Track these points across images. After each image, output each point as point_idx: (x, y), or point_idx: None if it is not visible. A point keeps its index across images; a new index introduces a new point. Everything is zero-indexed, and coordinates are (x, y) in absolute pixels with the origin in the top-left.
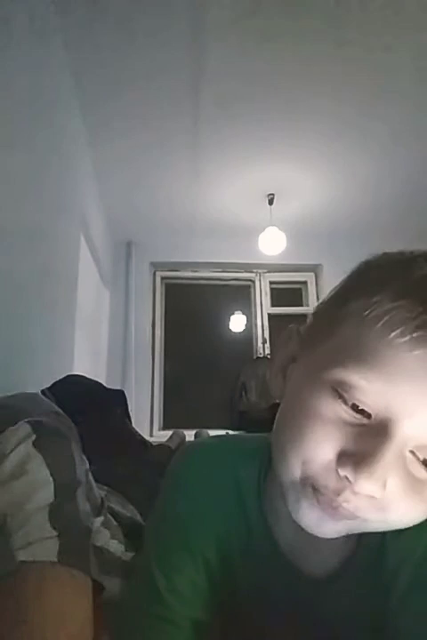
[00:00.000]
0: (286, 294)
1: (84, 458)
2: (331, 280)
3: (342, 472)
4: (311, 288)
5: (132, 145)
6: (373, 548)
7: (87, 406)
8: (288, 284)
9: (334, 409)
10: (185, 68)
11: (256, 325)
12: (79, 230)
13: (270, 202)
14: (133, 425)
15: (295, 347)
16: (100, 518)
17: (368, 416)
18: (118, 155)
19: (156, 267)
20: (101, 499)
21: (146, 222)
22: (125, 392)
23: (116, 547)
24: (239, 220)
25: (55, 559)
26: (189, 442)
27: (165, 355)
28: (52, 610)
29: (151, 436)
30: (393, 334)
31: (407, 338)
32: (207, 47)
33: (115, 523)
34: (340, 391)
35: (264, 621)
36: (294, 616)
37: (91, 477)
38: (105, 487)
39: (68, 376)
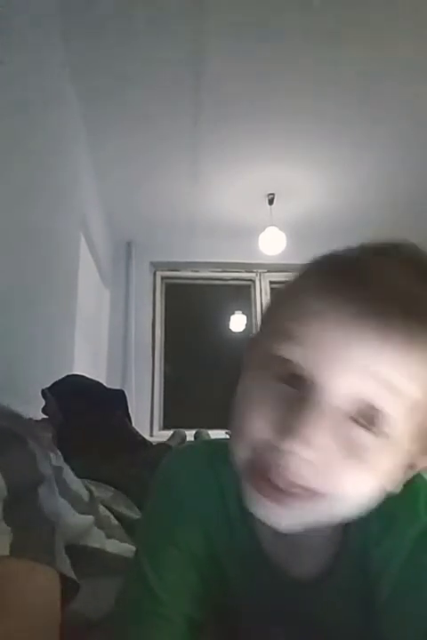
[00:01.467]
0: None
1: (55, 455)
2: None
3: (275, 441)
4: None
5: (133, 145)
6: (356, 552)
7: (87, 406)
8: None
9: (268, 387)
10: (185, 68)
11: (256, 325)
12: (79, 230)
13: (270, 202)
14: (134, 425)
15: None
16: (90, 517)
17: (299, 388)
18: (118, 155)
19: (156, 266)
20: (91, 496)
21: (146, 222)
22: (125, 392)
23: (114, 546)
24: (239, 219)
25: (7, 553)
26: (176, 446)
27: (165, 355)
28: (6, 603)
29: (151, 435)
30: (314, 301)
31: (325, 304)
32: (207, 47)
33: (115, 522)
34: (271, 367)
35: (252, 621)
36: (281, 617)
37: (68, 475)
38: (111, 488)
39: (68, 376)
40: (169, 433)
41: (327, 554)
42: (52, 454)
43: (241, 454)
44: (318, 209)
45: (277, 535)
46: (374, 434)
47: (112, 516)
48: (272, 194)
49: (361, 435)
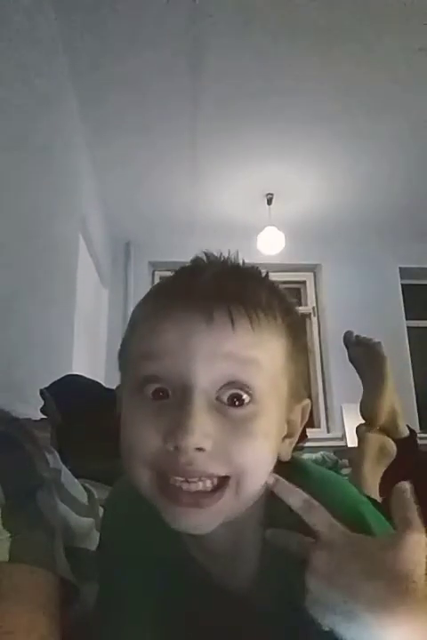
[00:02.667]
0: None
1: (53, 457)
2: (330, 280)
3: (169, 445)
4: (310, 288)
5: (132, 145)
6: (280, 558)
7: (86, 406)
8: (287, 283)
9: (145, 406)
10: (184, 69)
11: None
12: (78, 230)
13: (269, 202)
14: None
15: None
16: (90, 519)
17: (172, 396)
18: (117, 154)
19: (154, 266)
20: (90, 498)
21: (145, 222)
22: None
23: None
24: (238, 219)
25: (6, 559)
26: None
27: None
28: (7, 608)
29: None
30: (152, 318)
31: (161, 316)
32: (207, 47)
33: None
34: (141, 389)
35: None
36: (228, 635)
37: (66, 477)
38: (110, 488)
39: (67, 376)
40: None
41: (253, 559)
42: (49, 456)
43: (143, 478)
44: (316, 209)
45: (205, 545)
46: (245, 404)
47: None
48: (271, 194)
49: (235, 410)
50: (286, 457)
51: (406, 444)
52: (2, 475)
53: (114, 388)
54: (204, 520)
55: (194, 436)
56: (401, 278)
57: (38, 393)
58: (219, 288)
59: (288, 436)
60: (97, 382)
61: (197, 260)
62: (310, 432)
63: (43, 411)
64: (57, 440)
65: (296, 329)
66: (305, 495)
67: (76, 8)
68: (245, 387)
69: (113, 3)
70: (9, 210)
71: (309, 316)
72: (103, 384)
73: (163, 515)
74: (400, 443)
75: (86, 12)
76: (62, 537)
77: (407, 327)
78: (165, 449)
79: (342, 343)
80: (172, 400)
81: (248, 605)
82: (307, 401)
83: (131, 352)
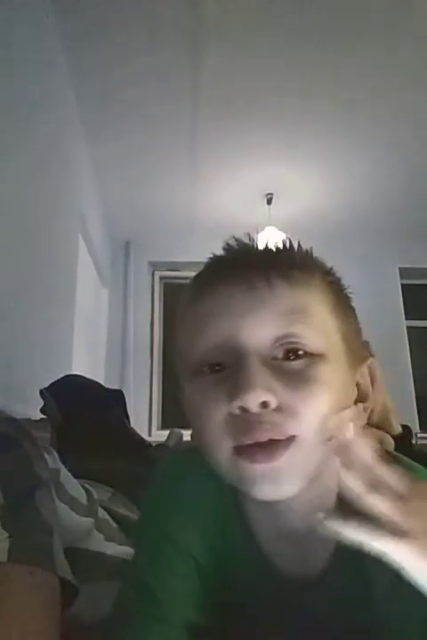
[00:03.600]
0: None
1: (52, 457)
2: None
3: (234, 407)
4: None
5: (131, 145)
6: (353, 549)
7: (85, 406)
8: None
9: (204, 383)
10: (184, 69)
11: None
12: (78, 230)
13: (269, 201)
14: (132, 425)
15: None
16: (89, 519)
17: (229, 365)
18: (117, 154)
19: (154, 266)
20: (89, 498)
21: (144, 222)
22: (124, 392)
23: (114, 549)
24: (238, 219)
25: (5, 559)
26: (173, 450)
27: (163, 354)
28: (6, 608)
29: (150, 435)
30: (194, 299)
31: (201, 293)
32: (206, 47)
33: (114, 525)
34: (196, 372)
35: (255, 625)
36: (282, 619)
37: (65, 477)
38: (110, 488)
39: (67, 376)
40: (167, 433)
41: (325, 552)
42: (48, 456)
43: (221, 450)
44: (316, 209)
45: (279, 535)
46: (300, 356)
47: (111, 519)
48: (271, 194)
49: (291, 363)
50: (363, 420)
51: (401, 441)
52: (0, 475)
53: (114, 388)
54: (280, 477)
55: (256, 390)
56: (401, 278)
57: (38, 393)
58: (254, 257)
59: (360, 399)
60: (96, 382)
61: (226, 246)
62: None
63: (42, 411)
64: (56, 440)
65: (337, 287)
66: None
67: (76, 8)
68: (295, 340)
69: (113, 3)
70: (9, 210)
71: None
72: (103, 384)
73: (243, 487)
74: (395, 440)
75: (86, 12)
76: (61, 537)
77: (407, 327)
78: (233, 414)
79: None
80: (228, 370)
81: (315, 595)
82: (371, 359)
83: (181, 344)
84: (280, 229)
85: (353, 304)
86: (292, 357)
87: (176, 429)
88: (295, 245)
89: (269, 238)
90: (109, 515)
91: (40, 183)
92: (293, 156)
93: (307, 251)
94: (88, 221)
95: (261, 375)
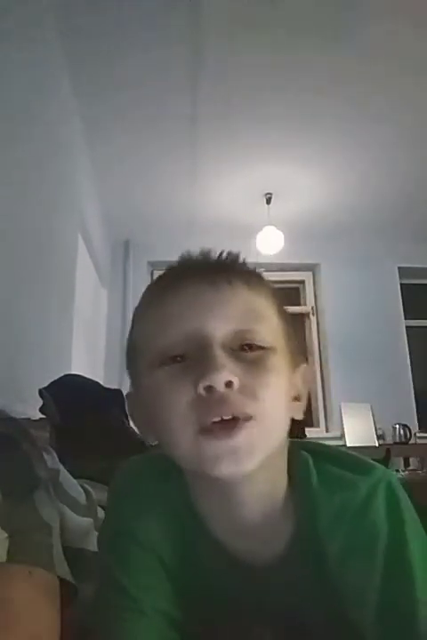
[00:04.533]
0: (283, 293)
1: (51, 457)
2: (329, 279)
3: (200, 388)
4: (309, 287)
5: (131, 144)
6: (309, 525)
7: (85, 406)
8: (286, 283)
9: (168, 373)
10: (183, 68)
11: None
12: (77, 230)
13: (268, 201)
14: (131, 425)
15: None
16: (89, 519)
17: (192, 355)
18: (116, 154)
19: (153, 266)
20: (88, 498)
21: (144, 221)
22: (123, 391)
23: None
24: (237, 219)
25: (4, 559)
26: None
27: None
28: (6, 609)
29: None
30: (161, 301)
31: (165, 291)
32: (205, 46)
33: None
34: (157, 364)
35: (234, 620)
36: (249, 610)
37: (64, 477)
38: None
39: (66, 376)
40: None
41: (281, 541)
42: (47, 456)
43: (187, 434)
44: (315, 208)
45: (233, 524)
46: (255, 348)
47: None
48: (270, 193)
49: (248, 353)
50: (297, 415)
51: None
52: (1, 474)
53: (113, 387)
54: (239, 454)
55: (222, 371)
56: (400, 278)
57: (37, 393)
58: (216, 262)
59: (296, 399)
60: (96, 382)
61: (185, 254)
62: (309, 431)
63: (42, 410)
64: (56, 440)
65: (279, 297)
66: None
67: (75, 8)
68: (251, 334)
69: (113, 2)
70: (8, 210)
71: (307, 315)
72: (102, 384)
73: (203, 467)
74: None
75: (86, 11)
76: (61, 537)
77: (406, 327)
78: (199, 395)
79: (342, 343)
80: (190, 361)
81: (273, 580)
82: (305, 365)
83: (140, 342)
84: (279, 229)
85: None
86: (247, 349)
87: None
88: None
89: (270, 238)
90: None
91: (39, 183)
92: (292, 155)
93: (254, 267)
94: (87, 221)
95: (226, 360)
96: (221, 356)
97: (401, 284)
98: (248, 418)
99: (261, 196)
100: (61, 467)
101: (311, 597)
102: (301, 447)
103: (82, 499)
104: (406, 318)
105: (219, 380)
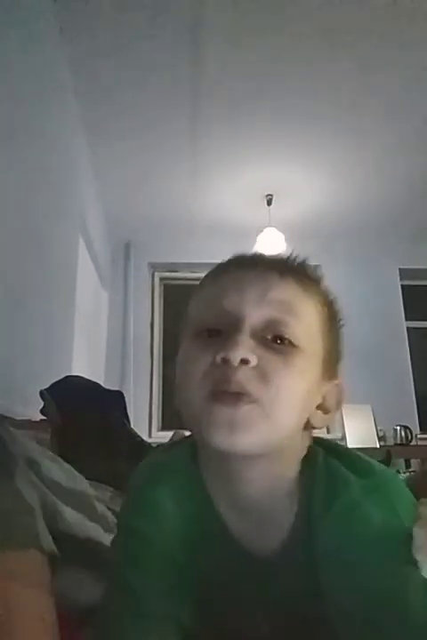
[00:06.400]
0: None
1: (33, 445)
2: (329, 281)
3: (218, 358)
4: None
5: (131, 146)
6: (310, 516)
7: (86, 407)
8: None
9: (199, 341)
10: (184, 69)
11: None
12: (78, 231)
13: (269, 202)
14: (132, 426)
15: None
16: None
17: (223, 331)
18: (117, 156)
19: (154, 267)
20: (77, 482)
21: (145, 223)
22: (124, 393)
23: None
24: (238, 220)
25: None
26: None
27: (163, 355)
28: (3, 591)
29: (150, 436)
30: (213, 280)
31: (222, 275)
32: (206, 48)
33: (113, 518)
34: (197, 334)
35: (230, 609)
36: (249, 599)
37: (49, 470)
38: (110, 489)
39: (67, 377)
40: (168, 434)
41: (282, 529)
42: (23, 440)
43: (200, 394)
44: (316, 210)
45: (242, 511)
46: (286, 344)
47: (111, 514)
48: (271, 195)
49: (277, 346)
50: (318, 424)
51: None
52: None
53: (114, 389)
54: (236, 427)
55: (240, 349)
56: (401, 279)
57: (38, 394)
58: (274, 260)
59: (322, 409)
60: (96, 383)
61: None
62: None
63: (42, 412)
64: (56, 441)
65: (334, 310)
66: None
67: (76, 9)
68: (286, 329)
69: (113, 3)
70: (9, 211)
71: None
72: (103, 385)
73: (207, 433)
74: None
75: (86, 13)
76: (48, 518)
77: (407, 328)
78: (215, 364)
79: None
80: (222, 337)
81: (272, 571)
82: (340, 380)
83: (191, 312)
84: (280, 230)
85: (341, 331)
86: (278, 342)
87: (180, 430)
88: (310, 265)
89: (271, 240)
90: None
91: (40, 185)
92: (293, 156)
93: (320, 276)
94: (88, 223)
95: (248, 340)
96: (245, 334)
97: (402, 286)
98: (252, 400)
99: (262, 197)
100: (39, 448)
101: (310, 588)
102: (317, 442)
103: (63, 481)
104: (407, 319)
105: (235, 355)
